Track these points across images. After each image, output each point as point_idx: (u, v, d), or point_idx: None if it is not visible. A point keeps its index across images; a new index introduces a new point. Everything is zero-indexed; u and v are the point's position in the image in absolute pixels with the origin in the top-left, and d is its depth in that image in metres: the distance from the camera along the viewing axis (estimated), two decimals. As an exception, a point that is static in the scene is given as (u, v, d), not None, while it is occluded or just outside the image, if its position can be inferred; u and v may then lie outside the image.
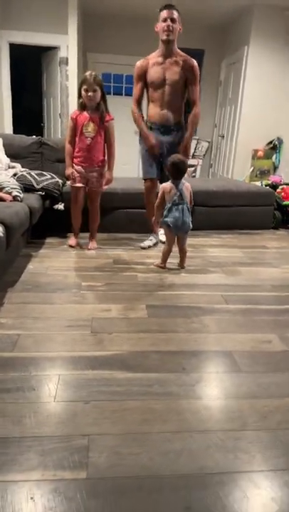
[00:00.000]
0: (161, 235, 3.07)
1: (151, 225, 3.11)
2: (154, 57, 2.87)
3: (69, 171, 2.89)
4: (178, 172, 2.56)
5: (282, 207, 3.95)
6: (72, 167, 2.91)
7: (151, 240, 3.18)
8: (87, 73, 2.74)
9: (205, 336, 1.78)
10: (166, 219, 2.58)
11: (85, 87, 2.70)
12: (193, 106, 2.92)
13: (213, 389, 1.43)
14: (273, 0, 4.87)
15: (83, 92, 2.72)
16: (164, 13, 2.72)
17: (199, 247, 3.19)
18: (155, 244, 3.16)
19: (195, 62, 2.85)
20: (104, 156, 2.92)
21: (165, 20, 2.72)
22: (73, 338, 1.70)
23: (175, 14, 2.73)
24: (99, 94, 2.74)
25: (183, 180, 2.60)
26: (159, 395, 1.37)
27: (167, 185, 2.59)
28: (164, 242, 2.83)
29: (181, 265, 2.70)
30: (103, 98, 2.78)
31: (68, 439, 1.16)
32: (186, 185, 2.62)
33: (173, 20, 2.71)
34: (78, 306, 2.01)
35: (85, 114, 2.79)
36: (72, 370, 1.49)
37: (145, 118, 3.02)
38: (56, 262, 2.70)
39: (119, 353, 1.61)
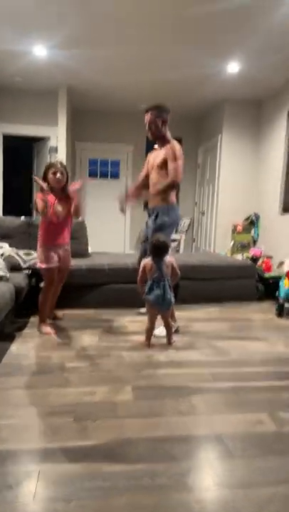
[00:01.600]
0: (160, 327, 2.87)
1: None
2: (155, 148, 3.17)
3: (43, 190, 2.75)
4: (158, 252, 2.61)
5: (264, 279, 4.06)
6: (46, 246, 2.86)
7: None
8: (53, 161, 2.91)
9: (194, 419, 1.71)
10: (148, 296, 2.60)
11: (52, 170, 2.80)
12: (169, 175, 2.93)
13: (205, 478, 1.35)
14: (241, 95, 5.52)
15: (51, 175, 2.80)
16: (144, 117, 3.04)
17: (185, 322, 3.18)
18: None
19: (173, 142, 2.96)
20: (69, 235, 3.00)
21: (145, 123, 3.04)
22: (55, 427, 1.61)
23: (146, 117, 3.00)
24: (65, 176, 2.86)
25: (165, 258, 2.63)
26: (148, 489, 1.28)
27: (148, 262, 2.64)
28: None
29: (168, 342, 2.67)
30: (67, 181, 2.91)
31: None
32: (167, 260, 2.64)
33: (149, 122, 3.00)
34: (61, 390, 1.93)
35: (52, 196, 2.81)
36: (54, 463, 1.39)
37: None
38: (40, 341, 2.64)
39: (104, 442, 1.52)
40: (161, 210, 3.02)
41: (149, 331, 2.65)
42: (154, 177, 3.06)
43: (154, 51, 4.18)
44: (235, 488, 1.29)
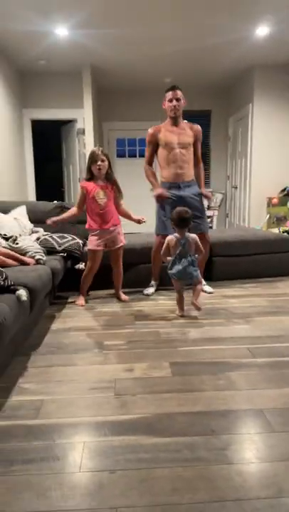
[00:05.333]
0: (204, 285, 3.35)
1: (154, 273, 3.44)
2: (165, 126, 3.24)
3: (55, 218, 3.12)
4: (181, 221, 2.69)
5: (302, 252, 3.92)
6: (89, 230, 3.08)
7: (152, 286, 3.44)
8: (95, 148, 2.99)
9: (233, 394, 1.72)
10: (170, 271, 2.76)
11: (94, 159, 2.93)
12: (199, 161, 3.31)
13: (246, 452, 1.36)
14: (271, 60, 5.23)
15: (93, 166, 2.95)
16: (170, 94, 3.10)
17: (221, 298, 3.16)
18: (155, 290, 3.43)
19: (199, 126, 3.27)
20: (118, 216, 3.12)
21: (171, 100, 3.10)
22: (97, 402, 1.67)
23: (179, 94, 3.10)
24: (106, 163, 2.97)
25: (188, 234, 2.73)
26: (188, 461, 1.31)
27: (172, 238, 2.74)
28: (210, 292, 3.30)
29: (194, 301, 2.70)
30: (110, 168, 3.02)
31: (95, 513, 1.11)
32: (191, 237, 2.74)
33: (178, 99, 3.10)
34: (101, 367, 2.00)
35: (94, 183, 3.00)
36: (97, 436, 1.45)
37: (159, 179, 3.33)
38: (78, 321, 2.72)
39: (144, 416, 1.56)
40: (193, 183, 3.29)
41: (180, 302, 2.78)
42: (183, 153, 3.18)
43: (177, 19, 4.01)
44: (276, 462, 1.29)
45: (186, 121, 3.26)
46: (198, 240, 2.78)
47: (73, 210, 3.10)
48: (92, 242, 3.05)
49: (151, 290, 3.38)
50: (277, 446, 1.37)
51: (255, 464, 1.29)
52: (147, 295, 3.32)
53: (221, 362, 2.03)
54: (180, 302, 2.80)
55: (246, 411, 1.59)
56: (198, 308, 2.72)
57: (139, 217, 3.17)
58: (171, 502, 1.14)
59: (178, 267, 2.71)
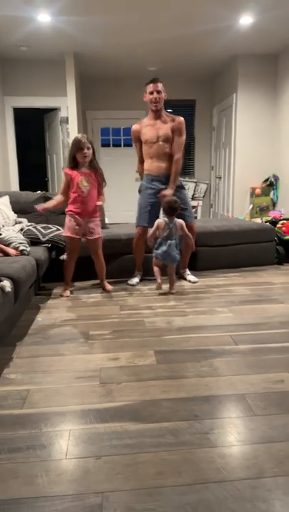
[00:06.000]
0: (189, 275, 3.47)
1: (137, 264, 3.48)
2: (146, 120, 3.28)
3: (45, 204, 3.10)
4: (171, 209, 3.01)
5: (284, 242, 4.00)
6: (69, 215, 3.06)
7: (136, 276, 3.46)
8: (79, 136, 2.97)
9: (216, 380, 1.76)
10: (156, 251, 3.08)
11: (80, 147, 2.91)
12: (174, 153, 3.19)
13: (228, 435, 1.40)
14: (255, 50, 5.24)
15: (78, 154, 2.93)
16: (150, 87, 3.12)
17: (205, 287, 3.21)
18: (140, 280, 3.46)
19: (182, 118, 3.21)
20: (98, 208, 3.11)
21: (152, 93, 3.12)
22: (83, 391, 1.69)
23: (159, 86, 3.12)
24: (91, 151, 2.97)
25: (176, 219, 3.04)
26: (172, 446, 1.34)
27: (161, 221, 3.05)
28: (194, 282, 3.39)
29: (170, 291, 3.08)
30: (94, 155, 3.02)
31: (81, 497, 1.13)
32: (178, 222, 3.05)
33: (158, 92, 3.11)
34: (87, 357, 2.02)
35: (78, 171, 2.99)
36: (83, 424, 1.47)
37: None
38: (64, 311, 2.73)
39: (129, 403, 1.59)
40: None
41: (156, 272, 3.10)
42: (165, 147, 3.20)
43: (161, 7, 3.96)
44: (257, 444, 1.34)
45: (170, 110, 3.26)
46: (184, 224, 3.07)
47: (60, 198, 3.07)
48: (70, 229, 3.04)
49: (135, 280, 3.41)
50: (257, 430, 1.42)
51: (236, 446, 1.34)
52: (132, 285, 3.34)
53: (205, 349, 2.07)
54: (157, 273, 3.07)
55: (228, 396, 1.63)
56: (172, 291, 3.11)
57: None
58: (155, 485, 1.17)
59: (163, 248, 3.02)
